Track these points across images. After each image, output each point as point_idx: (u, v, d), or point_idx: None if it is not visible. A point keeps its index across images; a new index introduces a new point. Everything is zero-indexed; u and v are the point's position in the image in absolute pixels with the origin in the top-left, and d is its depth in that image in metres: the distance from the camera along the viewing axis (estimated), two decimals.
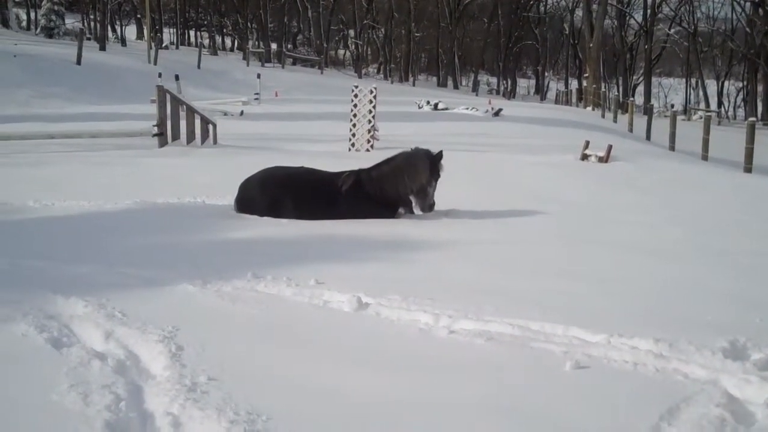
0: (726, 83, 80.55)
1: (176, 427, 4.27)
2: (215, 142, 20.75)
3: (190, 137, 20.43)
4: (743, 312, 6.68)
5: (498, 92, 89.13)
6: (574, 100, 71.96)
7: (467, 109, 39.12)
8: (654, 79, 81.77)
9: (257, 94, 39.47)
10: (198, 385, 4.77)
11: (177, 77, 36.02)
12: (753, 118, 29.69)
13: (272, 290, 6.99)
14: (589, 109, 56.37)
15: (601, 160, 19.17)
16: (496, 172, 16.13)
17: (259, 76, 42.14)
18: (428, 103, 41.19)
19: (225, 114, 29.61)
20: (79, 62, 43.06)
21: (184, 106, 20.74)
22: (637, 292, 7.39)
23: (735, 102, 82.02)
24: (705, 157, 26.90)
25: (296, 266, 7.82)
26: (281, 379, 4.97)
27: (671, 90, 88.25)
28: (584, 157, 19.51)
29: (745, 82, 76.19)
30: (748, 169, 23.06)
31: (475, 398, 4.74)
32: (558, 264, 8.56)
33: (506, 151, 20.37)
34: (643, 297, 7.20)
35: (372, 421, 4.39)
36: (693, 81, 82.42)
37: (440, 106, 40.13)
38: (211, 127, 20.91)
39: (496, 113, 37.04)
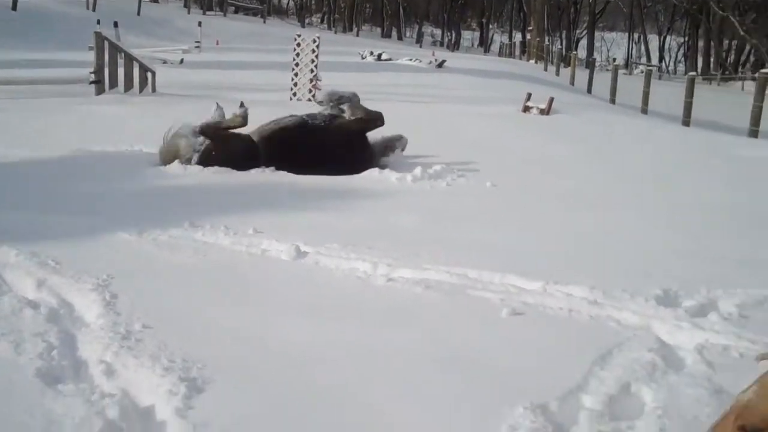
0: (668, 38, 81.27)
1: (109, 374, 4.22)
2: (154, 90, 20.40)
3: (128, 85, 20.04)
4: (676, 261, 6.79)
5: (442, 44, 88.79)
6: (517, 53, 72.08)
7: (411, 60, 38.98)
8: (597, 34, 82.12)
9: (198, 42, 38.82)
10: (132, 333, 4.71)
11: (116, 24, 35.13)
12: (693, 73, 30.11)
13: (210, 239, 6.92)
14: (532, 62, 56.50)
15: (542, 112, 19.25)
16: (439, 124, 16.10)
17: (200, 24, 41.47)
18: (372, 53, 40.96)
19: (164, 62, 29.09)
20: (14, 8, 41.93)
21: (123, 54, 20.31)
22: (574, 241, 7.47)
23: (676, 57, 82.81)
24: (645, 111, 27.22)
25: (235, 215, 7.75)
26: (218, 327, 4.93)
27: (614, 44, 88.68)
28: (526, 109, 19.57)
29: (686, 38, 76.95)
30: (687, 122, 23.39)
31: (413, 345, 4.76)
32: (496, 213, 8.61)
33: (449, 102, 20.34)
34: (579, 246, 7.28)
35: (310, 368, 4.38)
36: (635, 36, 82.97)
37: (384, 57, 39.94)
38: (149, 75, 20.53)
39: (440, 65, 36.98)
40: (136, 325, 4.84)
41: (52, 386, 4.05)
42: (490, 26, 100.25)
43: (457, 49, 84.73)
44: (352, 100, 11.38)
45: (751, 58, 64.17)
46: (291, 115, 11.29)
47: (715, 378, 4.46)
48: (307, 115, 11.32)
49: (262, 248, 6.68)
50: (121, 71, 20.10)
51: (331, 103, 11.37)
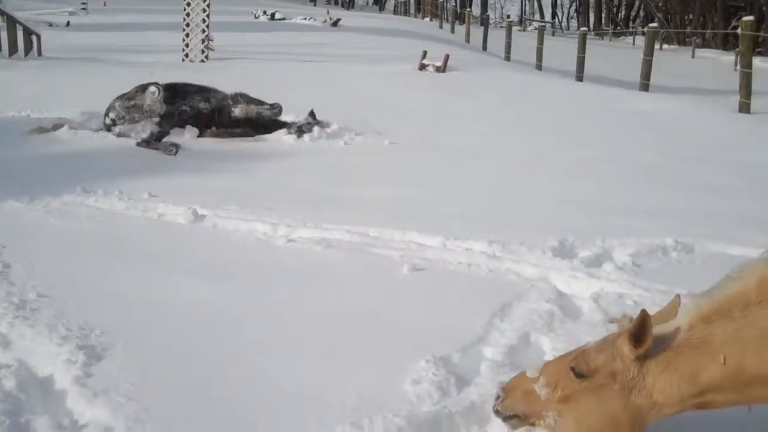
0: None
1: (5, 345, 4.09)
2: (40, 54, 19.73)
3: (12, 49, 19.32)
4: (573, 213, 6.93)
5: (336, 2, 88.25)
6: (412, 11, 72.15)
7: (305, 19, 38.66)
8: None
9: (84, 3, 37.67)
10: (27, 303, 4.59)
11: None
12: (585, 29, 30.61)
13: (104, 205, 6.76)
14: (427, 19, 56.66)
15: (438, 69, 19.34)
16: (334, 83, 16.02)
17: None
18: (265, 13, 40.44)
19: (50, 25, 28.18)
20: None
21: (5, 17, 19.55)
22: (473, 196, 7.56)
23: (568, 13, 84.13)
24: (539, 67, 27.61)
25: (128, 179, 7.59)
26: (115, 293, 4.84)
27: (507, 1, 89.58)
28: (422, 66, 19.62)
29: None
30: (580, 77, 23.83)
31: (315, 303, 4.77)
32: (396, 171, 8.64)
33: (344, 61, 20.25)
34: (478, 201, 7.37)
35: (213, 330, 4.34)
36: None
37: (277, 16, 39.50)
38: (35, 38, 19.83)
39: (334, 23, 36.78)
40: (31, 294, 4.71)
41: None
42: None
43: (352, 7, 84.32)
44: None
45: (641, 13, 65.64)
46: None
47: (611, 325, 4.58)
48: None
49: (159, 212, 6.57)
50: (3, 35, 19.36)
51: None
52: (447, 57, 19.75)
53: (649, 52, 20.38)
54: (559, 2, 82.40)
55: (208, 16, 20.02)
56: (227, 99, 10.67)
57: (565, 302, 4.91)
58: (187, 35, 19.96)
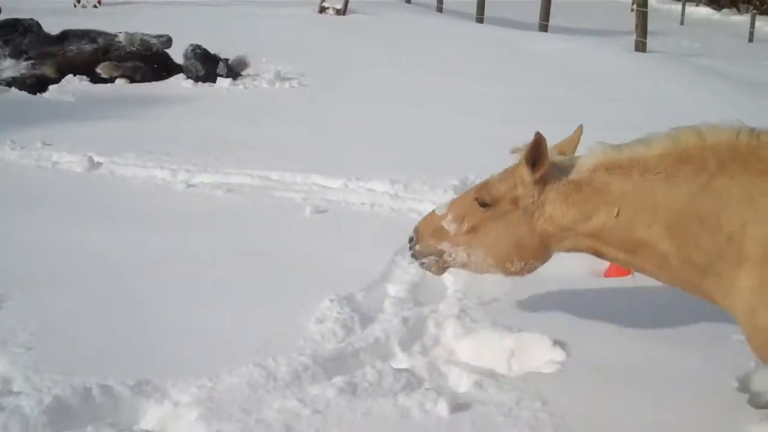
0: None
1: None
2: None
3: None
4: (473, 151, 6.96)
5: None
6: None
7: None
8: None
9: None
10: None
11: None
12: None
13: None
14: None
15: (338, 12, 19.14)
16: (232, 25, 15.71)
17: None
18: None
19: None
20: None
21: None
22: (375, 137, 7.55)
23: None
24: (440, 9, 27.51)
25: (20, 128, 7.33)
26: (12, 243, 4.70)
27: None
28: (322, 9, 19.39)
29: None
30: (480, 19, 23.84)
31: (217, 247, 4.73)
32: (298, 114, 8.58)
33: (242, 4, 19.86)
34: (379, 142, 7.36)
35: (115, 274, 4.28)
36: None
37: None
38: None
39: None
40: None
41: None
42: None
43: None
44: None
45: None
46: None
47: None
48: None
49: (53, 161, 6.38)
50: None
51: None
52: (347, 0, 19.56)
53: None
54: None
55: None
56: (113, 36, 10.44)
57: None
58: None
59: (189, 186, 5.85)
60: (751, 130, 3.03)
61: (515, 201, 3.37)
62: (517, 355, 3.65)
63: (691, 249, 3.06)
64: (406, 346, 3.66)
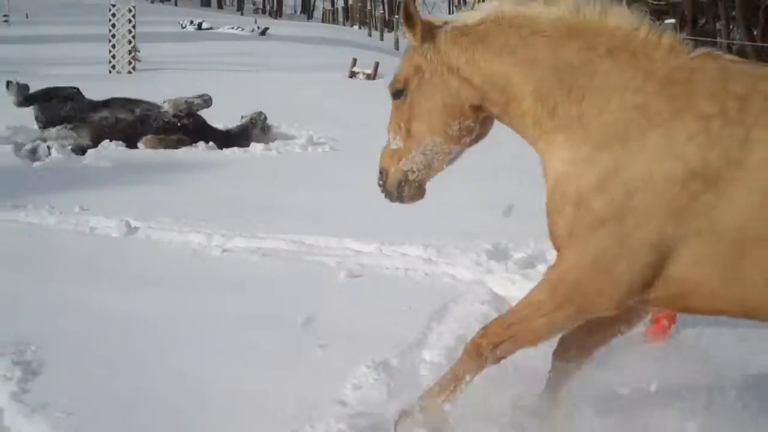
0: None
1: None
2: None
3: None
4: (504, 217, 6.98)
5: (263, 11, 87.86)
6: (341, 19, 72.19)
7: (232, 28, 38.41)
8: None
9: (6, 15, 36.94)
10: None
11: None
12: None
13: (34, 219, 6.66)
14: (356, 27, 56.75)
15: (368, 77, 19.42)
16: (264, 91, 15.96)
17: None
18: (192, 23, 40.08)
19: None
20: None
21: None
22: None
23: None
24: None
25: (58, 193, 7.47)
26: (50, 308, 4.77)
27: (435, 8, 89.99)
28: (352, 74, 19.70)
29: None
30: None
31: (253, 311, 4.77)
32: (330, 178, 8.66)
33: (274, 70, 20.20)
34: (414, 206, 7.38)
35: (151, 340, 4.32)
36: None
37: (204, 25, 39.15)
38: None
39: (263, 32, 36.61)
40: None
41: None
42: None
43: (280, 16, 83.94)
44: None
45: None
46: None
47: None
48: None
49: (90, 226, 6.49)
50: None
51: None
52: (377, 64, 19.85)
53: None
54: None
55: (134, 26, 19.82)
56: (155, 107, 10.61)
57: (501, 304, 4.98)
58: (114, 46, 19.72)
59: (224, 251, 5.92)
60: (656, 28, 3.14)
61: (419, 69, 3.44)
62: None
63: (545, 114, 3.20)
64: None
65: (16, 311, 4.69)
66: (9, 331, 4.35)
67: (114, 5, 20.33)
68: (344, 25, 66.16)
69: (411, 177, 3.63)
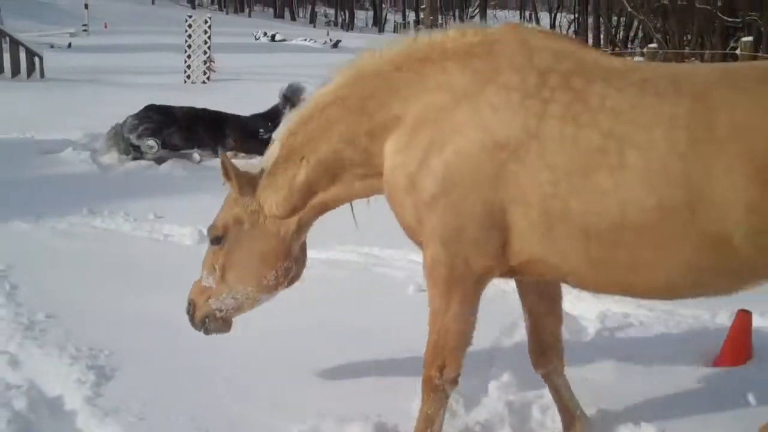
0: (558, 15, 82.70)
1: (15, 365, 4.13)
2: (42, 75, 19.81)
3: (15, 71, 19.43)
4: None
5: (336, 24, 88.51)
6: (412, 31, 72.22)
7: (305, 40, 38.82)
8: (489, 12, 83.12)
9: (86, 25, 37.88)
10: (36, 323, 4.62)
11: None
12: None
13: (110, 225, 6.81)
14: None
15: None
16: None
17: (86, 6, 40.40)
18: (265, 34, 40.64)
19: (52, 46, 28.28)
20: None
21: (7, 38, 19.67)
22: None
23: (567, 34, 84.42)
24: None
25: (133, 200, 7.62)
26: (123, 314, 4.87)
27: (504, 22, 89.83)
28: None
29: (576, 14, 78.37)
30: None
31: (321, 323, 4.79)
32: None
33: None
34: None
35: (219, 350, 4.36)
36: (527, 13, 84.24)
37: (278, 37, 39.70)
38: (37, 59, 19.92)
39: (335, 45, 36.95)
40: (39, 314, 4.74)
41: None
42: (384, 5, 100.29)
43: (352, 28, 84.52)
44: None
45: (639, 34, 65.74)
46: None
47: (615, 344, 4.62)
48: None
49: (164, 233, 6.61)
50: (6, 57, 19.45)
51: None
52: None
53: None
54: (557, 23, 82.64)
55: (209, 37, 20.13)
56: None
57: (571, 322, 4.92)
58: (189, 57, 20.06)
59: None
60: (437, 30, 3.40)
61: (239, 221, 3.59)
62: None
63: (367, 142, 3.37)
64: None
65: (90, 316, 4.78)
66: (84, 336, 4.45)
67: (191, 16, 20.71)
68: None
69: (218, 315, 3.75)
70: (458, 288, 3.24)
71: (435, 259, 3.24)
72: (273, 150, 3.56)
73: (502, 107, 3.02)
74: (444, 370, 3.32)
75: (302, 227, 3.67)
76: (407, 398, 3.83)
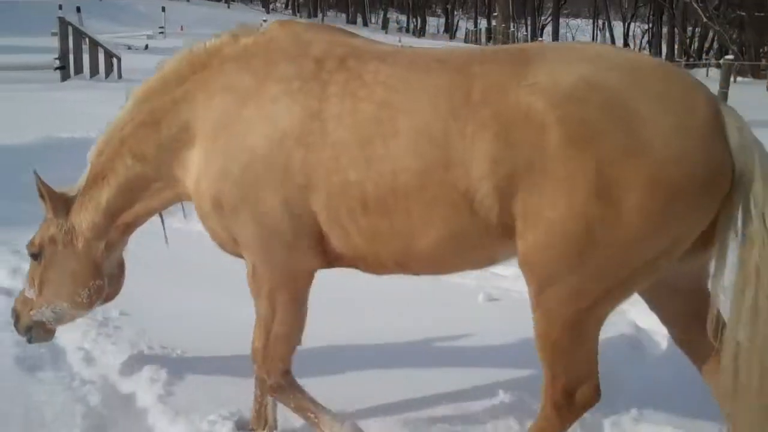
0: (632, 25, 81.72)
1: (89, 361, 4.22)
2: (120, 76, 20.23)
3: (94, 71, 19.88)
4: None
5: (407, 30, 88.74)
6: (483, 39, 72.18)
7: None
8: (562, 20, 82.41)
9: (162, 27, 38.55)
10: (110, 320, 4.71)
11: (78, 9, 34.69)
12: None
13: (184, 225, 6.85)
14: None
15: None
16: None
17: (163, 9, 41.15)
18: None
19: (129, 48, 28.85)
20: None
21: (87, 39, 20.12)
22: None
23: (641, 44, 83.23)
24: None
25: None
26: (197, 313, 4.93)
27: (579, 31, 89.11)
28: None
29: (650, 24, 77.37)
30: None
31: (391, 325, 4.84)
32: None
33: None
34: None
35: (298, 352, 4.39)
36: (600, 22, 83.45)
37: None
38: (115, 60, 20.37)
39: None
40: (113, 311, 4.82)
41: (32, 374, 4.05)
42: (456, 12, 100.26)
43: (423, 35, 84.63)
44: None
45: (715, 45, 64.68)
46: None
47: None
48: None
49: None
50: (86, 57, 19.88)
51: None
52: None
53: (725, 84, 20.06)
54: (630, 33, 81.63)
55: None
56: None
57: (643, 336, 4.87)
58: None
59: None
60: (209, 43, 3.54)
61: (53, 240, 3.70)
62: None
63: (166, 155, 3.47)
64: None
65: (165, 315, 4.85)
66: (157, 334, 4.52)
67: (265, 21, 20.83)
68: (486, 45, 66.03)
69: (40, 326, 3.86)
70: (281, 293, 3.35)
71: (254, 270, 3.34)
72: (87, 170, 3.69)
73: (281, 97, 3.17)
74: (274, 373, 3.46)
75: (111, 246, 3.77)
76: (479, 406, 3.82)
